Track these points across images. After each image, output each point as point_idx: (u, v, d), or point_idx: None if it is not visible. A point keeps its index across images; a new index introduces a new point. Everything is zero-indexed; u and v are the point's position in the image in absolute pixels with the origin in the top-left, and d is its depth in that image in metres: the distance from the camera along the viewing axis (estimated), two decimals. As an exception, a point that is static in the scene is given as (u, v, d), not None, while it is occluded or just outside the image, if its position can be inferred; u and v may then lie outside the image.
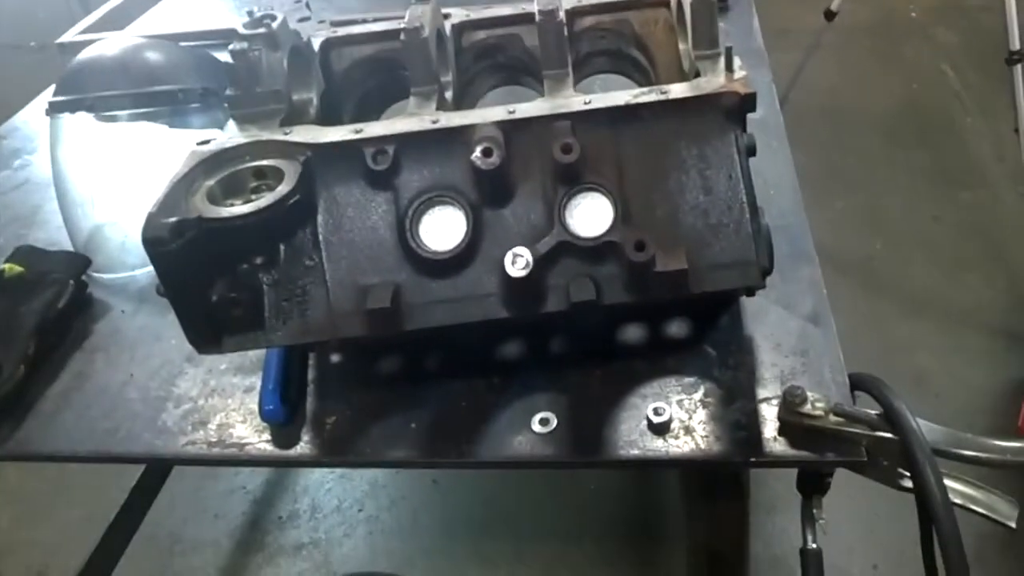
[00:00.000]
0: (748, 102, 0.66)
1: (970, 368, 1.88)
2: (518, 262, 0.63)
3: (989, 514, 0.69)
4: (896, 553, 1.53)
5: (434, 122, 0.68)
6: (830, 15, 2.57)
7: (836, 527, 1.49)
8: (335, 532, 1.84)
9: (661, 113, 0.67)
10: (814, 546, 0.72)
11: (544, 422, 0.71)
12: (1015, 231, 2.04)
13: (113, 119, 0.97)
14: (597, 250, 0.65)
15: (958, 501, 0.67)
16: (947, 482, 0.62)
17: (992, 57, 2.08)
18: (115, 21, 1.53)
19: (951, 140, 2.55)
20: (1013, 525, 0.68)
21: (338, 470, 1.98)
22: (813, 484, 0.72)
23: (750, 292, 0.72)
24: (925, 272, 2.13)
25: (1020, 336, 1.93)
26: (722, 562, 0.82)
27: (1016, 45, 2.07)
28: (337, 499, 1.91)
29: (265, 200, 0.63)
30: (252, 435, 0.76)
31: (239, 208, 0.63)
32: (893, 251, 2.20)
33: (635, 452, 0.68)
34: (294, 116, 0.72)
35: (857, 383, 0.70)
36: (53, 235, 1.04)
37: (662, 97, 0.67)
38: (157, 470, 1.56)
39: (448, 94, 0.77)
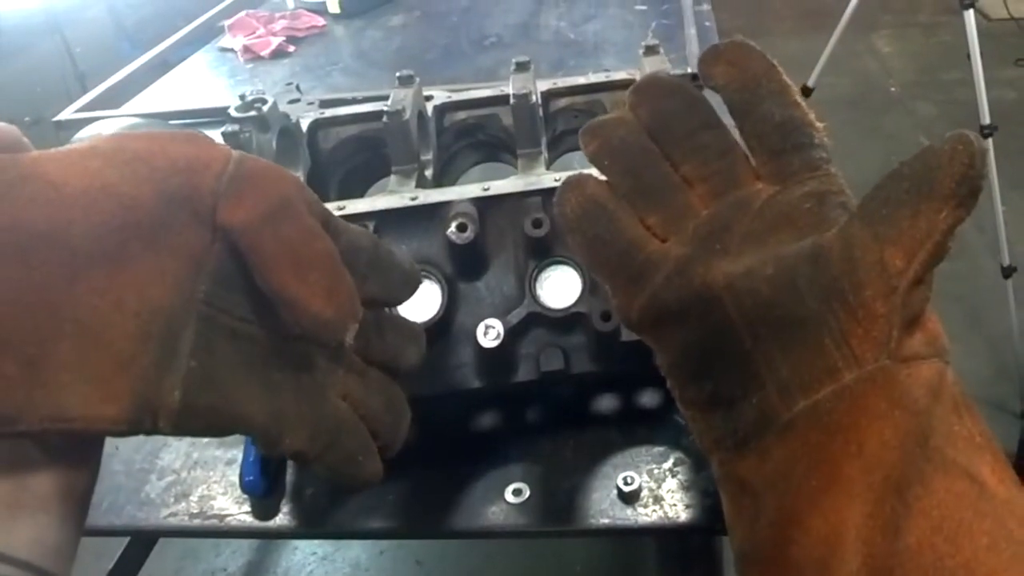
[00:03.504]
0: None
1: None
2: (490, 333, 0.65)
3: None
4: None
5: (413, 199, 0.72)
6: (807, 91, 2.65)
7: None
8: (317, 616, 1.81)
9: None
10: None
11: (518, 492, 0.72)
12: (994, 301, 2.08)
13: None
14: (566, 321, 0.67)
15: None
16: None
17: (968, 128, 2.13)
18: (111, 100, 1.59)
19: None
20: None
21: (319, 551, 1.96)
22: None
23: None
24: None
25: (1003, 406, 1.95)
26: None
27: (987, 119, 2.14)
28: (318, 583, 1.88)
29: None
30: (232, 507, 0.76)
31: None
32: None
33: (605, 521, 0.69)
34: (279, 194, 0.75)
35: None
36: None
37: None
38: (138, 549, 1.54)
39: (428, 172, 0.80)
